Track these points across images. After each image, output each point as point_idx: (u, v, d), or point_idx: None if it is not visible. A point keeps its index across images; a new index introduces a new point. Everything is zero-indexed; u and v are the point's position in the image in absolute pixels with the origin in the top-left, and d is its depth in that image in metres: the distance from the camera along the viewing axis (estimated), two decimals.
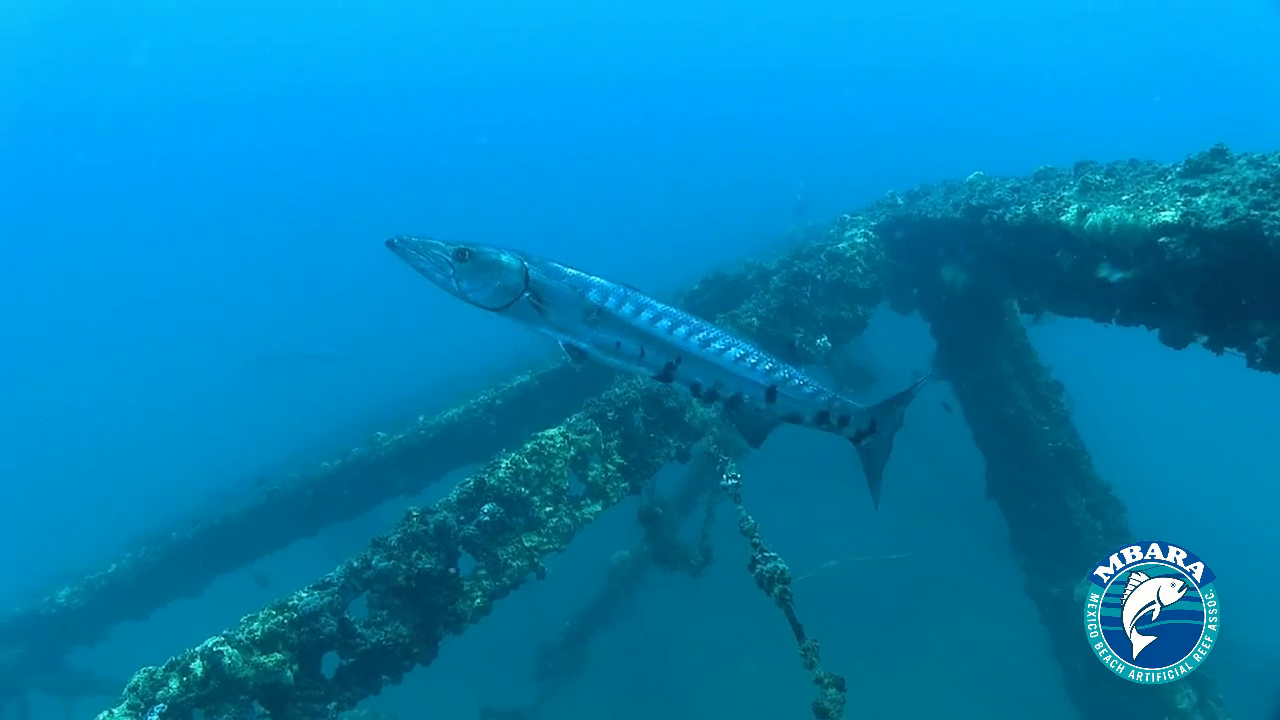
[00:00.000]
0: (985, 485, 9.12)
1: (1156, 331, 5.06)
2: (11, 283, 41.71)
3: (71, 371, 37.56)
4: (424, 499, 8.45)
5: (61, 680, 10.78)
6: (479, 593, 5.34)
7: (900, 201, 9.79)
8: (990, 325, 8.66)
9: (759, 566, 4.41)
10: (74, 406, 34.09)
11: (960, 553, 12.91)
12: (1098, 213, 4.97)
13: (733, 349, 3.72)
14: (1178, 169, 5.02)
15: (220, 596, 10.47)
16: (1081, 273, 5.51)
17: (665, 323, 3.64)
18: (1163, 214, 4.37)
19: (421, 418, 10.00)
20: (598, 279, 3.62)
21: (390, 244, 3.46)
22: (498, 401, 9.65)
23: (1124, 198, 5.05)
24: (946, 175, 10.13)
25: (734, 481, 5.45)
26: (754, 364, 3.74)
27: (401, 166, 49.28)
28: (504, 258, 3.50)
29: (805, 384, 3.83)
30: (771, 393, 3.77)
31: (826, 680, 3.76)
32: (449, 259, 3.44)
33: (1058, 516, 8.25)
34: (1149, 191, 4.94)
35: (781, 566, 4.35)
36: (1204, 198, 4.28)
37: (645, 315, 3.63)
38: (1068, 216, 5.37)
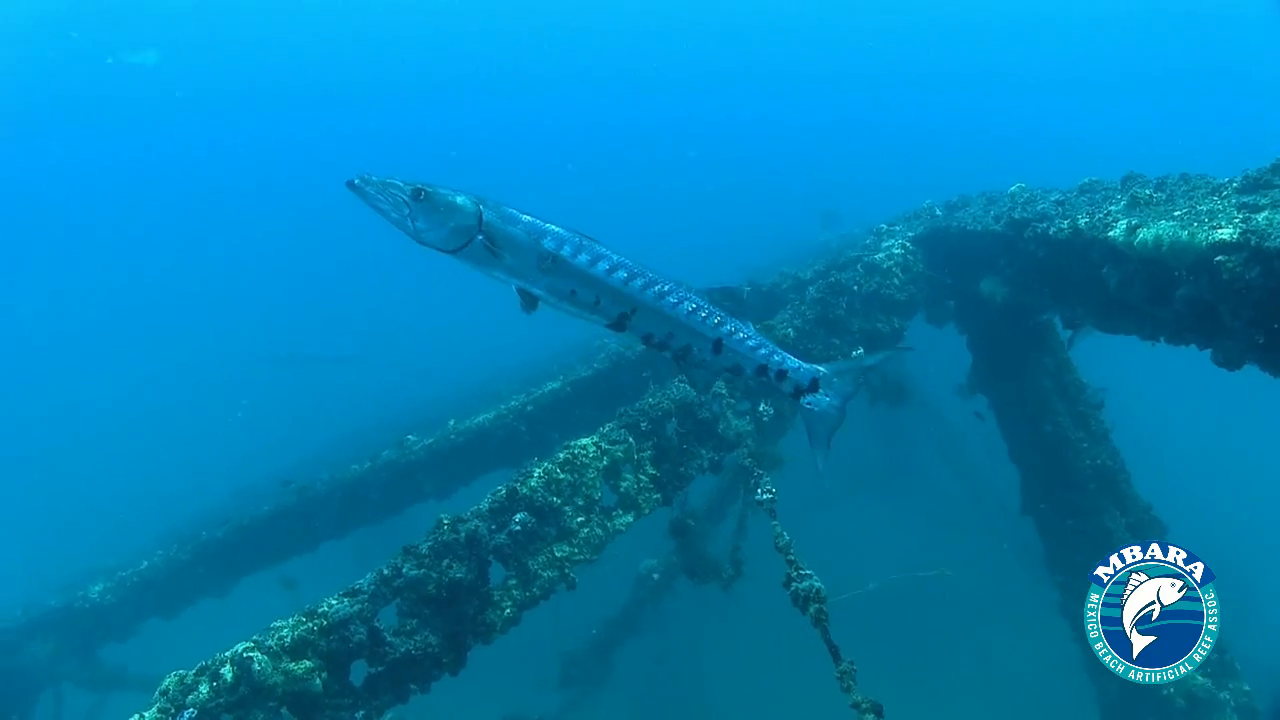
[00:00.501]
0: (1021, 502, 8.95)
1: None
2: (35, 283, 42.40)
3: (97, 369, 37.99)
4: (454, 504, 8.45)
5: (94, 674, 10.87)
6: (509, 603, 5.30)
7: (939, 212, 9.68)
8: (1029, 340, 8.50)
9: (794, 584, 4.35)
10: (100, 404, 34.45)
11: (994, 569, 12.69)
12: (1149, 229, 4.81)
13: (685, 302, 3.81)
14: (1234, 184, 4.87)
15: (246, 597, 10.51)
16: (1129, 290, 5.37)
17: (621, 274, 3.69)
18: (1219, 231, 4.22)
19: (452, 422, 9.99)
20: (554, 226, 3.65)
21: (351, 184, 3.47)
22: (529, 408, 9.63)
23: (1176, 213, 4.89)
24: (968, 185, 9.98)
25: (769, 496, 5.37)
26: (704, 317, 3.84)
27: (404, 166, 49.39)
28: (459, 199, 3.53)
29: (749, 338, 3.93)
30: (718, 345, 3.87)
31: (864, 705, 3.68)
32: (406, 198, 3.46)
33: (1096, 536, 8.05)
34: (1203, 207, 4.79)
35: (817, 585, 4.29)
36: (1264, 215, 4.13)
37: (602, 265, 3.66)
38: (1116, 232, 5.21)
